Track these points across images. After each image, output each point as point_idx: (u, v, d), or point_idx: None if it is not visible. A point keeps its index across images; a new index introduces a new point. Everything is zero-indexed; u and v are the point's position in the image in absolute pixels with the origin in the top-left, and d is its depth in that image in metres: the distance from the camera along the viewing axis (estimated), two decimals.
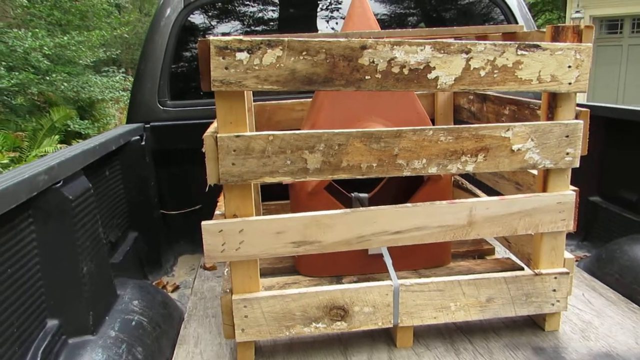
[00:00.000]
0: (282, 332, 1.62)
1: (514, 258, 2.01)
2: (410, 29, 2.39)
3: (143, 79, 2.60)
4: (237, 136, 1.47)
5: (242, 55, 1.41)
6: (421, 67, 1.47)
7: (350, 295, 1.62)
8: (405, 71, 1.47)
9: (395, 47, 1.45)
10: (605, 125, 2.45)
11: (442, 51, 1.47)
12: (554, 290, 1.70)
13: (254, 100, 2.45)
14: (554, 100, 1.59)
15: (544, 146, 1.57)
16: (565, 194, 1.64)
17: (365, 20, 1.98)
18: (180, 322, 1.94)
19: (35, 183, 1.36)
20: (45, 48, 7.03)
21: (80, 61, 8.88)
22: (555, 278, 1.69)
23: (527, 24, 2.79)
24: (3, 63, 6.69)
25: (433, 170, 1.55)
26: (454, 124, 2.55)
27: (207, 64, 1.42)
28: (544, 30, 1.65)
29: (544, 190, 1.66)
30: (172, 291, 2.30)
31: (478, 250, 2.20)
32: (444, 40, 1.47)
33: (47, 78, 6.99)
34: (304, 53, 1.43)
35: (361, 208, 1.58)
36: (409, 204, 1.58)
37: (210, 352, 1.73)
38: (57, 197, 1.45)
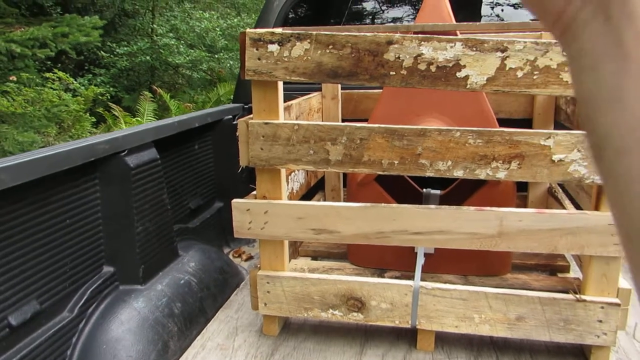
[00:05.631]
0: (301, 312, 1.70)
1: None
2: (479, 23, 2.22)
3: None
4: (266, 123, 1.56)
5: (273, 47, 1.49)
6: (450, 64, 1.40)
7: (368, 288, 1.63)
8: (433, 68, 1.41)
9: (423, 42, 1.40)
10: None
11: (475, 49, 1.38)
12: (600, 321, 1.51)
13: (343, 89, 2.51)
14: None
15: None
16: None
17: (439, 13, 1.91)
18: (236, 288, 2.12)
19: (97, 150, 1.61)
20: (218, 29, 7.85)
21: None
22: (602, 308, 1.50)
23: None
24: (182, 42, 7.66)
25: (459, 173, 1.48)
26: (555, 126, 2.33)
27: (243, 54, 1.53)
28: None
29: (596, 208, 1.48)
30: (246, 260, 2.49)
31: (550, 266, 2.01)
32: (478, 37, 1.38)
33: (216, 56, 7.83)
34: (330, 47, 1.46)
35: (382, 204, 1.57)
36: (432, 206, 1.53)
37: (245, 319, 1.88)
38: (119, 164, 1.70)
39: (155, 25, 7.97)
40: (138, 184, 1.76)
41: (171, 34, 7.82)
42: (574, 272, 2.00)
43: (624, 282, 1.53)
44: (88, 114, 7.00)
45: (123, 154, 1.72)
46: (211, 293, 1.97)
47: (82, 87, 7.33)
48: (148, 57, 7.71)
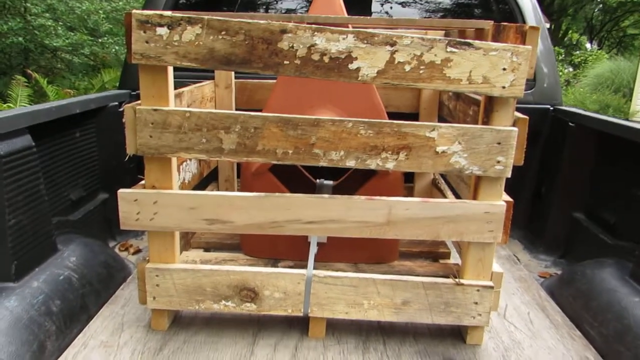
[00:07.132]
0: (192, 305, 1.65)
1: None
2: (370, 17, 2.32)
3: None
4: (155, 110, 1.49)
5: (162, 31, 1.43)
6: (342, 56, 1.43)
7: (261, 278, 1.63)
8: (326, 59, 1.43)
9: (316, 33, 1.41)
10: (598, 140, 2.30)
11: (366, 41, 1.42)
12: (476, 303, 1.63)
13: (237, 78, 2.47)
14: (490, 104, 1.51)
15: (472, 151, 1.50)
16: (495, 204, 1.55)
17: (331, 6, 1.94)
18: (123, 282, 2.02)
19: None
20: (101, 11, 7.38)
21: None
22: (478, 290, 1.62)
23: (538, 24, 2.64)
24: (60, 23, 7.09)
25: (351, 163, 1.52)
26: (439, 120, 2.47)
27: (130, 37, 1.45)
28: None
29: (475, 198, 1.59)
30: (133, 253, 2.38)
31: (432, 253, 2.14)
32: (369, 30, 1.42)
33: (100, 40, 7.35)
34: (223, 32, 1.42)
35: (276, 194, 1.57)
36: (325, 195, 1.56)
37: (132, 314, 1.79)
38: None
39: (28, 4, 7.29)
40: (9, 173, 1.60)
41: (47, 15, 7.20)
42: (454, 259, 2.15)
43: (497, 266, 1.66)
44: None
45: None
46: (94, 289, 1.85)
47: None
48: (21, 39, 7.03)
